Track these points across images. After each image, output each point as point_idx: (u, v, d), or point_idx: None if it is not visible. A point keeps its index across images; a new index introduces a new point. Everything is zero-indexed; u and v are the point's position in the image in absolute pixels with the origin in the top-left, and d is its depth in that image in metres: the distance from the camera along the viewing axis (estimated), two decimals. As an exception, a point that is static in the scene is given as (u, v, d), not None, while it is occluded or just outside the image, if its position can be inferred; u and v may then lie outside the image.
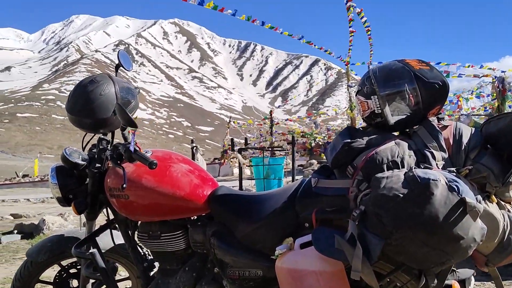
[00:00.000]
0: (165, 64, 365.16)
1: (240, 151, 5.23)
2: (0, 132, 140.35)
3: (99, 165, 1.81)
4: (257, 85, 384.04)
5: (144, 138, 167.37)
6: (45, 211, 9.86)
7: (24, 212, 10.00)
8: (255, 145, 24.04)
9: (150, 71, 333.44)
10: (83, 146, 1.92)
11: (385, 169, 1.35)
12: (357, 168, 1.41)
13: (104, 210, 1.91)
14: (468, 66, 9.38)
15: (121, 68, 2.03)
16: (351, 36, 12.77)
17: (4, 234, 5.10)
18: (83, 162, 1.81)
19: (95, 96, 1.74)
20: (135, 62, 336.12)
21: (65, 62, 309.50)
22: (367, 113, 1.58)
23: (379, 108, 1.52)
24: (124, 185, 1.59)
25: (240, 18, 6.95)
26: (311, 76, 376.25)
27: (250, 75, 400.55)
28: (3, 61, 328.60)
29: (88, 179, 1.85)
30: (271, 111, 22.24)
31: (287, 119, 21.99)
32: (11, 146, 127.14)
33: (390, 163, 1.36)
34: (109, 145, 1.85)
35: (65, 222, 5.23)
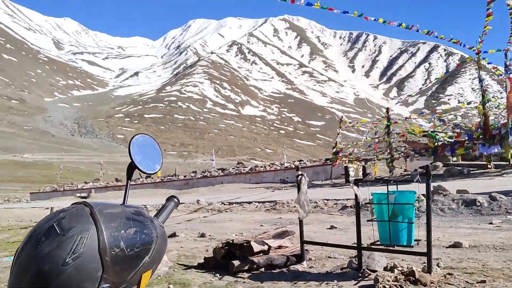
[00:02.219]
0: (276, 60, 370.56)
1: (357, 182, 4.12)
2: (130, 131, 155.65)
3: None
4: (370, 76, 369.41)
5: (257, 134, 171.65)
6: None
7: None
8: (370, 146, 22.42)
9: (261, 68, 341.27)
10: None
11: None
12: None
13: None
14: None
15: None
16: (487, 21, 10.73)
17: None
18: None
19: (53, 269, 0.86)
20: (247, 61, 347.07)
21: (184, 65, 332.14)
22: None
23: None
24: None
25: (352, 15, 5.87)
26: (430, 63, 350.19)
27: (363, 66, 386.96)
28: (133, 67, 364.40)
29: None
30: (387, 109, 20.40)
31: (406, 118, 19.88)
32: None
33: None
34: None
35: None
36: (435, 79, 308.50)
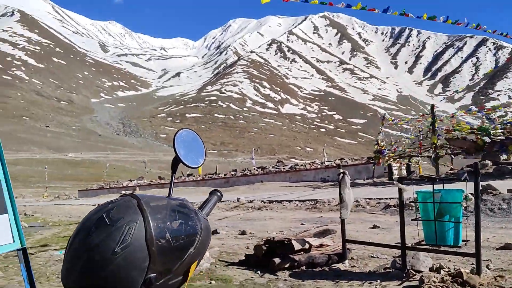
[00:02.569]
0: (316, 58, 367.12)
1: (401, 181, 4.02)
2: (172, 131, 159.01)
3: None
4: (414, 72, 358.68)
5: (297, 133, 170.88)
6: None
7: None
8: (414, 144, 21.78)
9: (301, 66, 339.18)
10: None
11: None
12: None
13: None
14: None
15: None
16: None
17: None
18: None
19: (103, 258, 0.90)
20: (287, 59, 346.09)
21: (224, 64, 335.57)
22: None
23: None
24: None
25: (393, 14, 5.72)
26: (477, 58, 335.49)
27: (405, 62, 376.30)
28: (174, 68, 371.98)
29: None
30: (432, 106, 19.74)
31: (453, 115, 19.13)
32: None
33: None
34: None
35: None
36: (483, 74, 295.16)
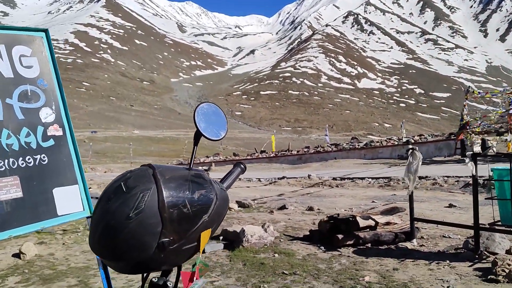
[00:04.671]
0: (395, 29, 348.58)
1: (474, 157, 3.77)
2: (248, 109, 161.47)
3: None
4: (506, 40, 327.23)
5: (374, 108, 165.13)
6: (268, 198, 10.16)
7: (249, 196, 10.53)
8: (504, 118, 20.05)
9: (379, 39, 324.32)
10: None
11: None
12: None
13: None
14: None
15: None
16: None
17: (212, 238, 5.09)
18: None
19: (119, 222, 1.00)
20: (364, 32, 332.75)
21: (299, 40, 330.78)
22: None
23: None
24: None
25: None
26: None
27: (497, 30, 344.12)
28: (249, 46, 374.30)
29: None
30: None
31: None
32: (256, 120, 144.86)
33: None
34: None
35: (265, 233, 4.87)
36: None
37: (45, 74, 2.41)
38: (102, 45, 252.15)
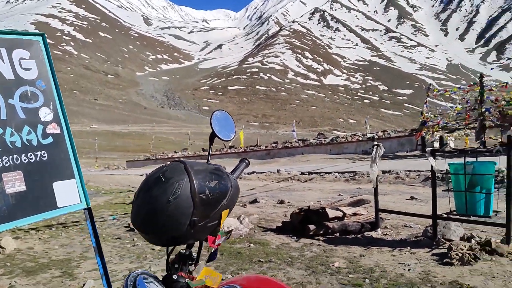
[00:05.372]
0: (361, 27, 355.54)
1: (433, 153, 4.15)
2: (215, 103, 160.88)
3: None
4: (465, 39, 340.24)
5: (339, 104, 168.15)
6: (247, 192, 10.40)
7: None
8: (462, 115, 21.04)
9: (345, 35, 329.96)
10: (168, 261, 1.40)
11: None
12: None
13: None
14: None
15: None
16: None
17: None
18: None
19: (160, 205, 1.24)
20: (330, 28, 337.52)
21: (266, 35, 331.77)
22: None
23: None
24: None
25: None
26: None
27: (457, 29, 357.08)
28: (216, 40, 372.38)
29: None
30: (481, 75, 18.96)
31: (503, 84, 18.18)
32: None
33: None
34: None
35: (241, 225, 5.14)
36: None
37: (43, 75, 2.57)
38: (64, 37, 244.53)
